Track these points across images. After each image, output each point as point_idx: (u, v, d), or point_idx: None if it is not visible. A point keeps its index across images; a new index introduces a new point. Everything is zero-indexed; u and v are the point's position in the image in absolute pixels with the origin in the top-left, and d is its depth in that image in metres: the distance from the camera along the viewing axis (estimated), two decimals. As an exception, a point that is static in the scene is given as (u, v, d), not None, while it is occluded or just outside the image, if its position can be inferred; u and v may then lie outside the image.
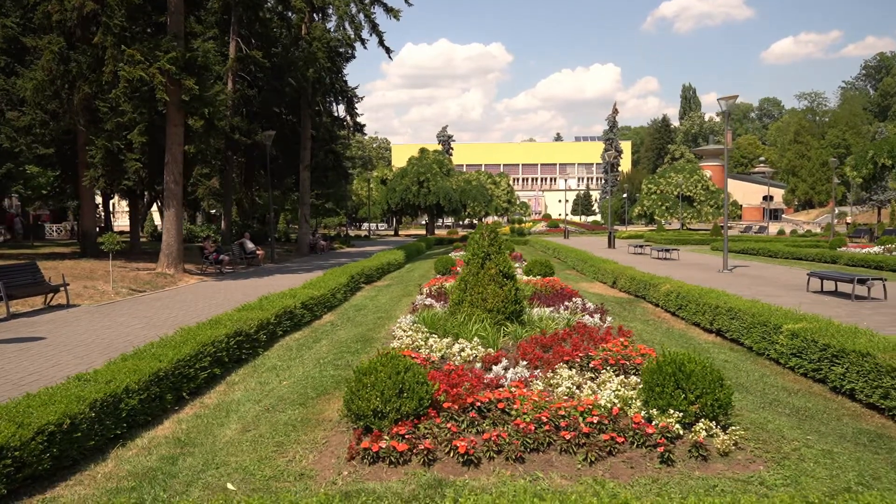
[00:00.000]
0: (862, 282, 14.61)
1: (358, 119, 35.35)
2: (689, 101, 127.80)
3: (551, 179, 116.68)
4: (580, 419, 5.04)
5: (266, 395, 6.87)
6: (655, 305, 13.59)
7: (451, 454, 4.63)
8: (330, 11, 32.04)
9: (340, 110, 35.23)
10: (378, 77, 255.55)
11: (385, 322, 10.75)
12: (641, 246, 32.35)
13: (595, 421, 5.01)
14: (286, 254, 33.20)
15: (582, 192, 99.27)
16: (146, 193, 36.49)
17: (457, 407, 5.27)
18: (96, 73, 19.25)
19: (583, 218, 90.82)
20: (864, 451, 5.05)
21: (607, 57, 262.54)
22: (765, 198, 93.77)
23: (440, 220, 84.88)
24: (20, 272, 14.04)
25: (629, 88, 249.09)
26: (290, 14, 31.33)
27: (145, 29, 21.18)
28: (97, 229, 29.31)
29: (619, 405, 5.35)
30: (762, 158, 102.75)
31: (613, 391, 5.63)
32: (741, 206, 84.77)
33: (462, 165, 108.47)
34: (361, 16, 31.33)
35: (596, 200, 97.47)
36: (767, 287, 17.46)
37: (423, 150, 60.67)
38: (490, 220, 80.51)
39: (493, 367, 6.66)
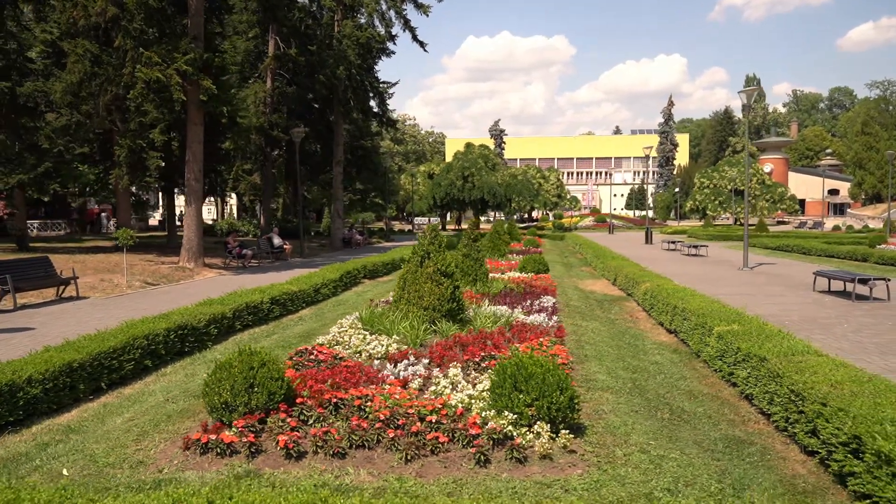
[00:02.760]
0: (863, 281, 14.06)
1: (389, 115, 35.75)
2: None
3: (607, 173, 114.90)
4: (422, 418, 5.16)
5: (181, 386, 7.21)
6: (638, 304, 13.41)
7: (278, 447, 4.83)
8: (362, 10, 32.49)
9: (373, 106, 35.68)
10: (439, 71, 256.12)
11: (345, 318, 10.99)
12: (674, 242, 31.69)
13: (434, 420, 5.12)
14: (319, 249, 33.87)
15: (636, 186, 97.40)
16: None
17: (311, 402, 5.46)
18: (121, 76, 20.15)
19: (636, 212, 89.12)
20: (705, 457, 4.98)
21: (673, 47, 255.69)
22: (831, 191, 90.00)
23: (494, 215, 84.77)
24: (31, 266, 14.91)
25: (696, 79, 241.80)
26: (322, 13, 31.96)
27: (172, 30, 22.01)
28: (167, 223, 30.45)
29: (472, 405, 5.44)
30: (829, 151, 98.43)
31: (477, 392, 5.71)
32: (800, 200, 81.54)
33: (516, 160, 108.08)
34: (392, 13, 31.68)
35: (651, 195, 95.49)
36: (776, 286, 16.96)
37: (468, 145, 60.68)
38: (538, 214, 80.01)
39: (389, 366, 6.82)
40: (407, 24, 31.74)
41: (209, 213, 61.69)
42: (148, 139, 21.03)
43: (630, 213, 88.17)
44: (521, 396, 5.06)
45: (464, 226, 74.50)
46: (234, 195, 58.11)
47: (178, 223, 36.67)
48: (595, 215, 76.08)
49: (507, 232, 32.86)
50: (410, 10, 31.93)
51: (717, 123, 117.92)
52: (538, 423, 4.98)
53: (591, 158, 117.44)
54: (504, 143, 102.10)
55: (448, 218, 78.51)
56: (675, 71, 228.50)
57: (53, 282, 14.90)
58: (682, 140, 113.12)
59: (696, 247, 27.56)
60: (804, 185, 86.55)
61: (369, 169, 37.69)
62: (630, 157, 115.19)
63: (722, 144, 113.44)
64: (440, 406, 5.36)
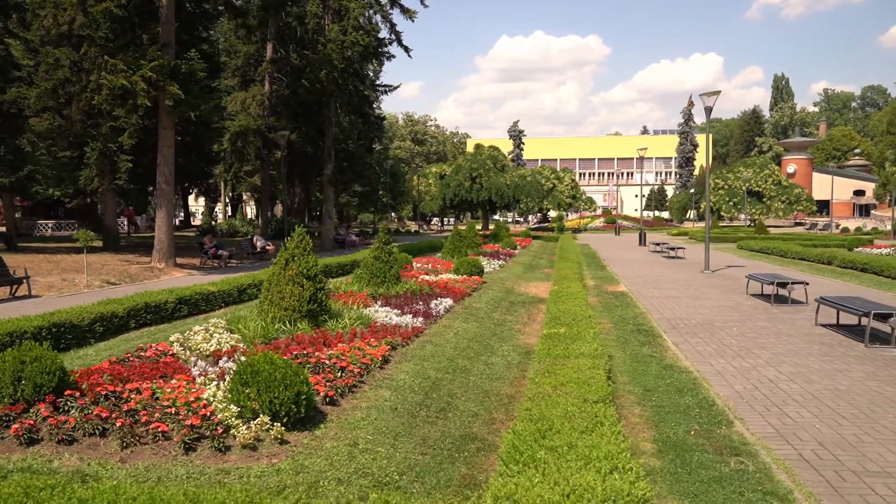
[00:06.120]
0: (782, 285, 14.10)
1: (374, 118, 36.28)
2: (781, 91, 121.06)
3: (628, 174, 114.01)
4: (166, 410, 5.59)
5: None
6: (549, 306, 13.64)
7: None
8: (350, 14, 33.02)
9: (364, 109, 36.28)
10: (472, 72, 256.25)
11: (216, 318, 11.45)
12: (658, 244, 31.67)
13: (173, 412, 5.54)
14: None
15: (657, 186, 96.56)
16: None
17: (78, 394, 5.94)
18: (90, 82, 20.99)
19: (654, 214, 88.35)
20: (414, 452, 5.29)
21: (708, 46, 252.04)
22: (857, 192, 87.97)
23: (510, 217, 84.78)
24: (-19, 266, 15.74)
25: (732, 79, 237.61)
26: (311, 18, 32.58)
27: (149, 38, 22.81)
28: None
29: (215, 398, 5.85)
30: (857, 150, 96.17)
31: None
32: (825, 201, 79.82)
33: (537, 160, 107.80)
34: (378, 17, 32.19)
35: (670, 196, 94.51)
36: (715, 289, 17.08)
37: (478, 146, 61.11)
38: (552, 214, 79.83)
39: (201, 363, 7.27)
40: (393, 29, 32.25)
41: (203, 213, 62.96)
42: (118, 143, 21.84)
43: (650, 215, 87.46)
44: (247, 391, 5.46)
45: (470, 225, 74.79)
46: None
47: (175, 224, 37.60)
48: (605, 216, 75.65)
49: (493, 233, 33.23)
50: (397, 15, 32.40)
51: (745, 123, 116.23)
52: (261, 416, 5.37)
53: (613, 159, 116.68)
54: (523, 143, 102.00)
55: (464, 217, 78.92)
56: (710, 70, 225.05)
57: (4, 281, 15.69)
58: (703, 141, 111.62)
59: (673, 249, 27.63)
60: (829, 186, 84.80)
61: (354, 170, 38.31)
62: (652, 158, 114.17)
63: (749, 145, 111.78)
64: (193, 399, 5.79)
